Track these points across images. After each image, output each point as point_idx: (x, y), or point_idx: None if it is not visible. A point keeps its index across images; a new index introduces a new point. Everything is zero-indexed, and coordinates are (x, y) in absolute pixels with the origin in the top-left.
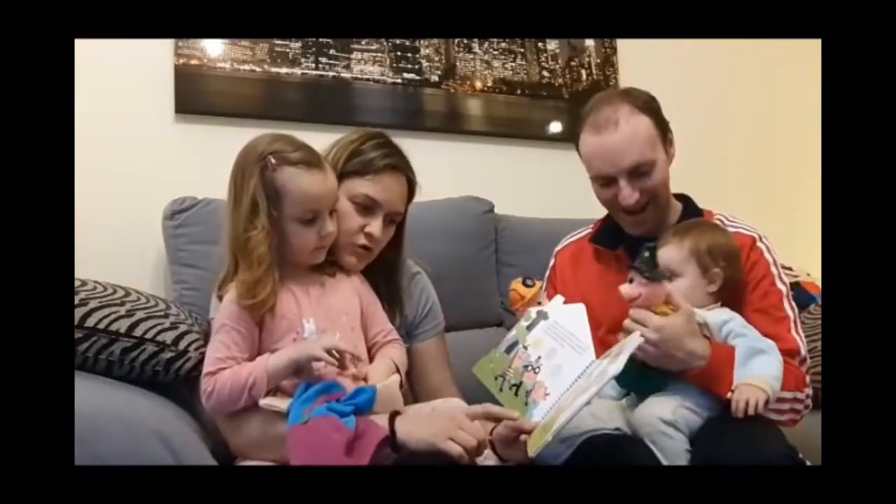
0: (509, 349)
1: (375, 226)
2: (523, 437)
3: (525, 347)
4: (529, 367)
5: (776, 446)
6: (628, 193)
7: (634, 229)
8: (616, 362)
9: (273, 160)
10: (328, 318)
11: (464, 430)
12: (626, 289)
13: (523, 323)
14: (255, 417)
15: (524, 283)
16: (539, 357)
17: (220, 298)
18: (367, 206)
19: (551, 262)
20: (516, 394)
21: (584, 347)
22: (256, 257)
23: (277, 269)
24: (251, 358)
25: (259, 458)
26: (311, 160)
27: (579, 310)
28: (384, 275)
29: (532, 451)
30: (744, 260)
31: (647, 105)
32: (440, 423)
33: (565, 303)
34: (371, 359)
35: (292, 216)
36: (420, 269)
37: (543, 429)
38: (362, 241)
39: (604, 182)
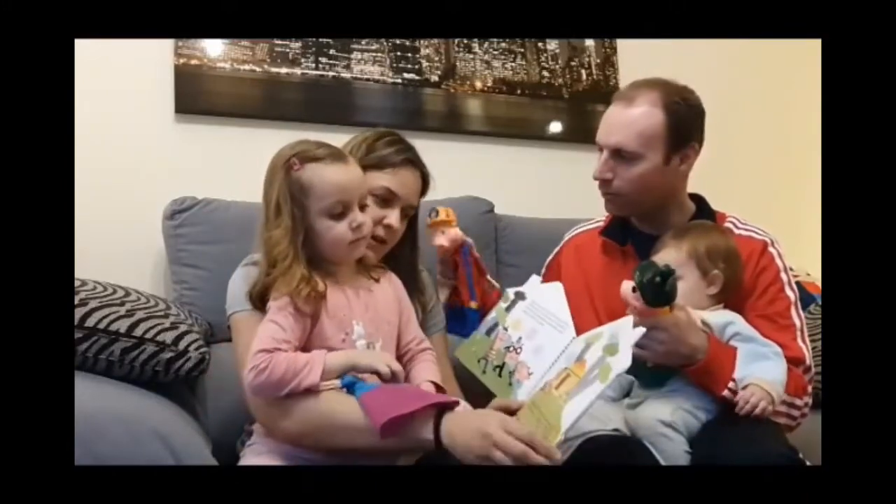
0: (489, 331)
1: (394, 217)
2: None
3: (505, 329)
4: (511, 348)
5: (776, 446)
6: (600, 168)
7: (607, 206)
8: (620, 358)
9: (297, 160)
10: (374, 323)
11: (499, 446)
12: (629, 296)
13: (501, 304)
14: (312, 404)
15: (428, 215)
16: (520, 338)
17: (250, 296)
18: (385, 199)
19: (557, 248)
20: (500, 375)
21: (564, 325)
22: (277, 254)
23: (321, 266)
24: (298, 349)
25: (310, 444)
26: (335, 154)
27: (556, 288)
28: (405, 272)
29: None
30: (753, 264)
31: (675, 107)
32: (477, 443)
33: (542, 282)
34: (403, 366)
35: (321, 211)
36: (422, 267)
37: (551, 427)
38: (380, 232)
39: (600, 149)
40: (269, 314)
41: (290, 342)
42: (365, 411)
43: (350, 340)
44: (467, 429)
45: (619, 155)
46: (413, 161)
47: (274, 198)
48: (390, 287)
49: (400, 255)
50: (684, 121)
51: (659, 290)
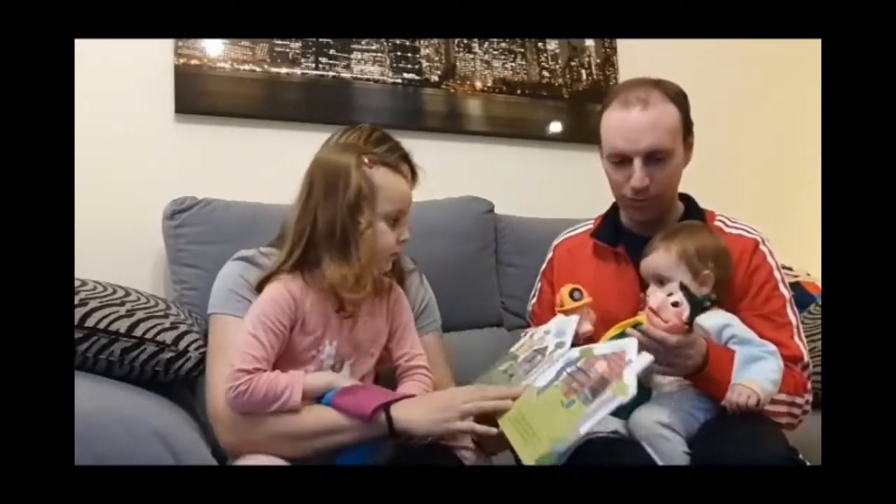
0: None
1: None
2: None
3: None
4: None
5: (775, 446)
6: (640, 176)
7: (635, 215)
8: (626, 389)
9: (368, 159)
10: (351, 342)
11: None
12: (668, 311)
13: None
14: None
15: (571, 296)
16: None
17: (259, 289)
18: None
19: (548, 255)
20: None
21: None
22: (367, 250)
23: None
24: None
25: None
26: (397, 165)
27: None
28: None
29: (530, 461)
30: (746, 263)
31: (678, 98)
32: (439, 415)
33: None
34: (398, 381)
35: (383, 213)
36: (415, 266)
37: (539, 441)
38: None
39: (618, 161)
40: (249, 326)
41: (269, 359)
42: (344, 408)
43: (319, 359)
44: (424, 408)
45: (652, 158)
46: (405, 156)
47: (353, 188)
48: (383, 302)
49: None
50: (687, 110)
51: (700, 313)
